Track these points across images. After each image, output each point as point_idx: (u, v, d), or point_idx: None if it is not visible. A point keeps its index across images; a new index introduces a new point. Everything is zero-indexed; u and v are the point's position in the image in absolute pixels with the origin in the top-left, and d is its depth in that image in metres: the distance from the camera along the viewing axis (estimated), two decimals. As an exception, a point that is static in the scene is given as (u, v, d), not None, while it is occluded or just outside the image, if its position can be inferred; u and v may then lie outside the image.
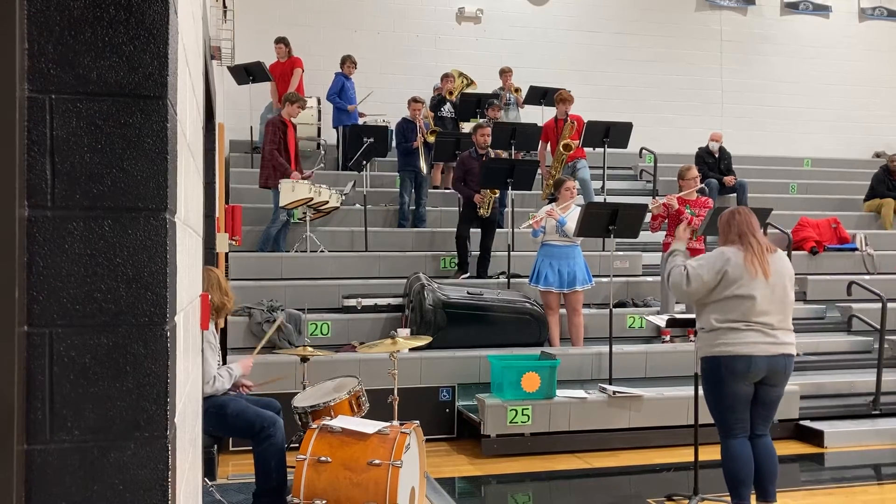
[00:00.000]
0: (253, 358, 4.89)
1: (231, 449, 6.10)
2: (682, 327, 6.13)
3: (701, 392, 4.71)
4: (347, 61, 11.21)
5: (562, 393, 6.41)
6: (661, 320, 5.68)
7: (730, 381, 4.38)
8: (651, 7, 14.15)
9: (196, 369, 2.80)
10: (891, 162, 11.42)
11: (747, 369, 4.34)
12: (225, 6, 6.12)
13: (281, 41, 11.15)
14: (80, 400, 1.59)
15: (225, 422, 4.44)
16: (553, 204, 7.64)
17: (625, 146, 10.13)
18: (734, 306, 4.36)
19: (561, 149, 9.52)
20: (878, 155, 14.34)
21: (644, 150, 12.18)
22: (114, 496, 1.61)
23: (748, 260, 4.37)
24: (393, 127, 10.56)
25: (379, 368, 6.05)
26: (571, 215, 7.36)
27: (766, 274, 4.35)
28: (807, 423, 6.81)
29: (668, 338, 7.86)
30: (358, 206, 9.44)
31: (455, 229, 8.83)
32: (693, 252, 7.13)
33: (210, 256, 5.32)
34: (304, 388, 5.11)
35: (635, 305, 8.41)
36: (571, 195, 7.59)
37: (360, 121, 11.12)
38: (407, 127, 9.78)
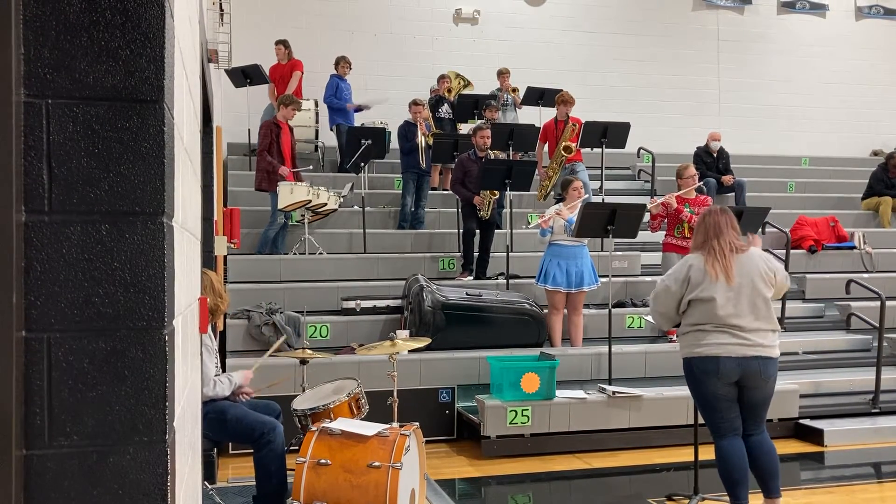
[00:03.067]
0: (254, 370, 4.86)
1: (231, 452, 6.09)
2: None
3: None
4: (342, 62, 11.19)
5: (561, 393, 6.41)
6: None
7: (705, 382, 4.39)
8: (648, 7, 14.15)
9: (195, 373, 2.80)
10: (889, 160, 11.43)
11: (716, 370, 4.34)
12: (222, 9, 6.11)
13: (281, 43, 11.14)
14: (79, 405, 1.59)
15: (225, 427, 4.44)
16: (561, 204, 7.67)
17: (622, 146, 10.13)
18: (698, 309, 4.41)
19: (561, 150, 9.52)
20: (875, 153, 14.34)
21: (642, 150, 12.19)
22: (113, 501, 1.60)
23: (709, 263, 4.41)
24: (391, 129, 10.54)
25: (378, 370, 6.04)
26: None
27: (728, 277, 4.36)
28: (806, 421, 6.82)
29: (674, 337, 7.86)
30: (356, 207, 9.43)
31: (454, 230, 8.81)
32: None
33: (208, 259, 5.32)
34: (304, 391, 5.11)
35: (634, 305, 8.41)
36: (579, 195, 7.63)
37: (357, 123, 11.09)
38: (409, 129, 9.74)
